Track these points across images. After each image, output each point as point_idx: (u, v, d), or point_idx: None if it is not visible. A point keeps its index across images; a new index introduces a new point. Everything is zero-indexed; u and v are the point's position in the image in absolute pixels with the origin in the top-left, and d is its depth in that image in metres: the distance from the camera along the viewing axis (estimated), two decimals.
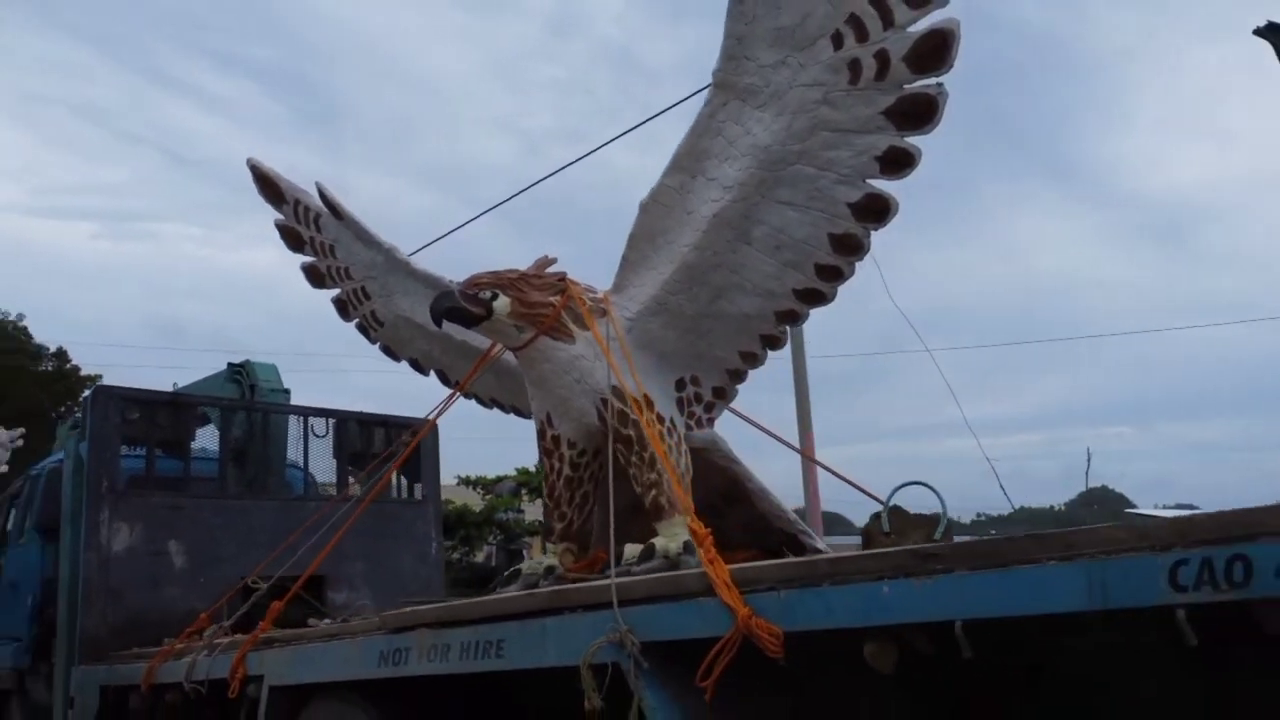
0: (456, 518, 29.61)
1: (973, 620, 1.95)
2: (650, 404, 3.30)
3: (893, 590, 2.08)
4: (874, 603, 2.11)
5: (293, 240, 4.64)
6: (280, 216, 4.62)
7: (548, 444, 3.52)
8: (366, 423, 6.43)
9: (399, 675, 3.19)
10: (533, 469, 31.21)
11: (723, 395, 3.62)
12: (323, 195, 4.31)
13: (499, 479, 32.13)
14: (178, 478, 6.02)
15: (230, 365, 6.94)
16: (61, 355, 35.82)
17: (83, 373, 35.67)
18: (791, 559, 2.78)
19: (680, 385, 3.55)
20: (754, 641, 2.25)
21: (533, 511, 31.30)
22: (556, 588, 3.07)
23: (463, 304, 3.42)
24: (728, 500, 3.66)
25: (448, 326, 3.63)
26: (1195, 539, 1.73)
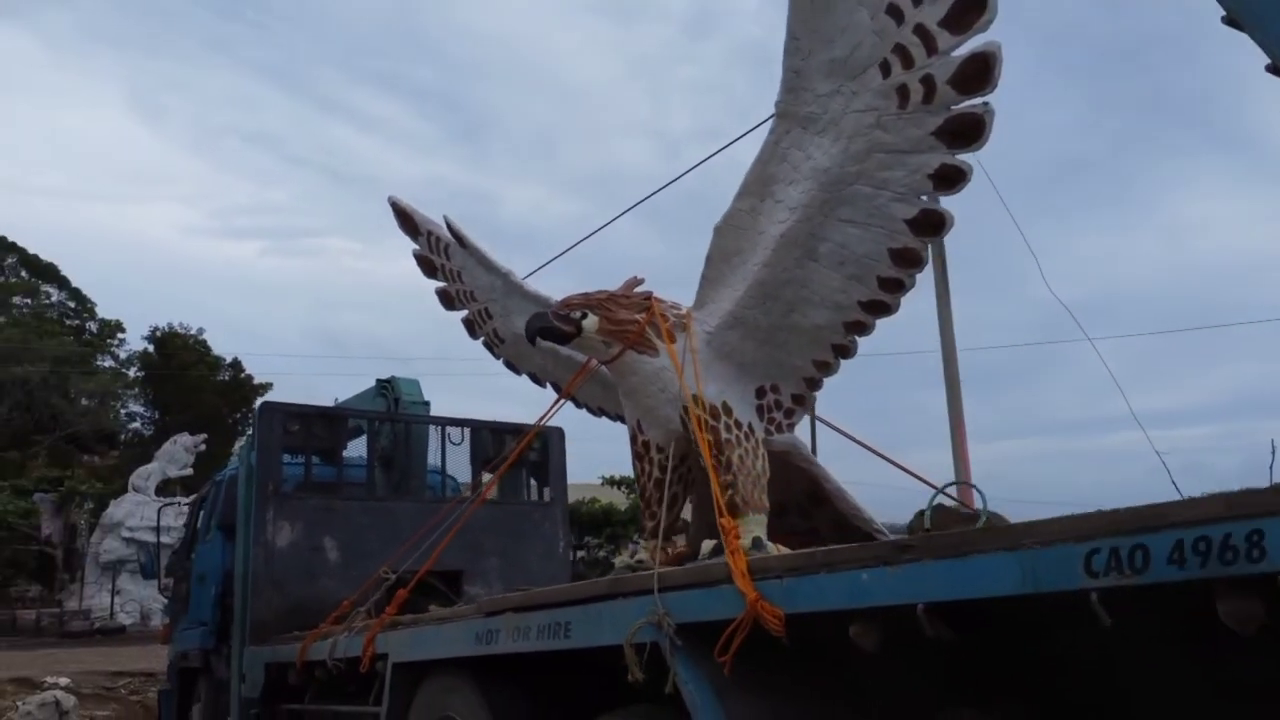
0: (602, 516, 30.44)
1: (932, 603, 2.21)
2: (729, 410, 3.55)
3: (870, 577, 2.39)
4: (856, 588, 2.41)
5: (427, 268, 5.18)
6: (416, 247, 5.16)
7: (639, 449, 3.81)
8: (498, 430, 6.99)
9: (491, 653, 3.64)
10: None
11: (801, 402, 3.83)
12: (450, 227, 4.81)
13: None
14: (332, 482, 6.73)
15: (379, 381, 7.63)
16: (237, 366, 38.72)
17: (256, 382, 38.49)
18: (801, 551, 3.00)
19: (760, 393, 3.76)
20: (760, 622, 2.55)
21: None
22: (614, 577, 3.43)
23: (554, 323, 3.77)
24: (813, 500, 3.90)
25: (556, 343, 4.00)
26: (1109, 531, 1.97)
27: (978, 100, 2.91)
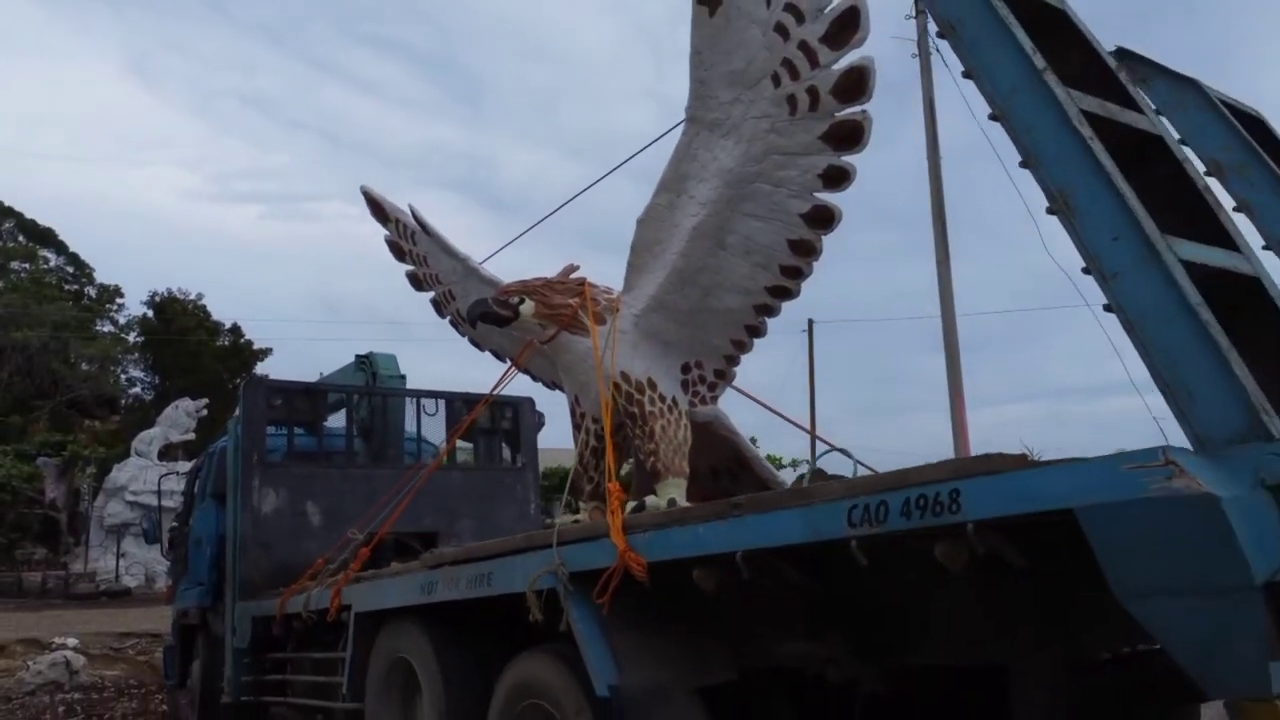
0: None
1: (753, 550, 2.70)
2: (654, 385, 3.98)
3: (705, 531, 2.90)
4: (695, 540, 2.93)
5: (397, 252, 5.62)
6: (387, 233, 5.60)
7: (577, 420, 4.20)
8: (470, 401, 7.21)
9: (432, 601, 4.16)
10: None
11: (723, 376, 4.25)
12: (414, 215, 5.25)
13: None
14: (313, 452, 7.21)
15: (357, 356, 8.12)
16: (236, 331, 38.73)
17: (256, 347, 38.57)
18: (666, 510, 3.45)
19: (686, 369, 4.19)
20: (629, 569, 3.04)
21: None
22: (525, 534, 3.97)
23: (493, 308, 4.19)
24: (740, 465, 4.31)
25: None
26: (867, 490, 2.48)
27: (856, 108, 3.32)
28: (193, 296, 40.39)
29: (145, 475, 21.13)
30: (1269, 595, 1.88)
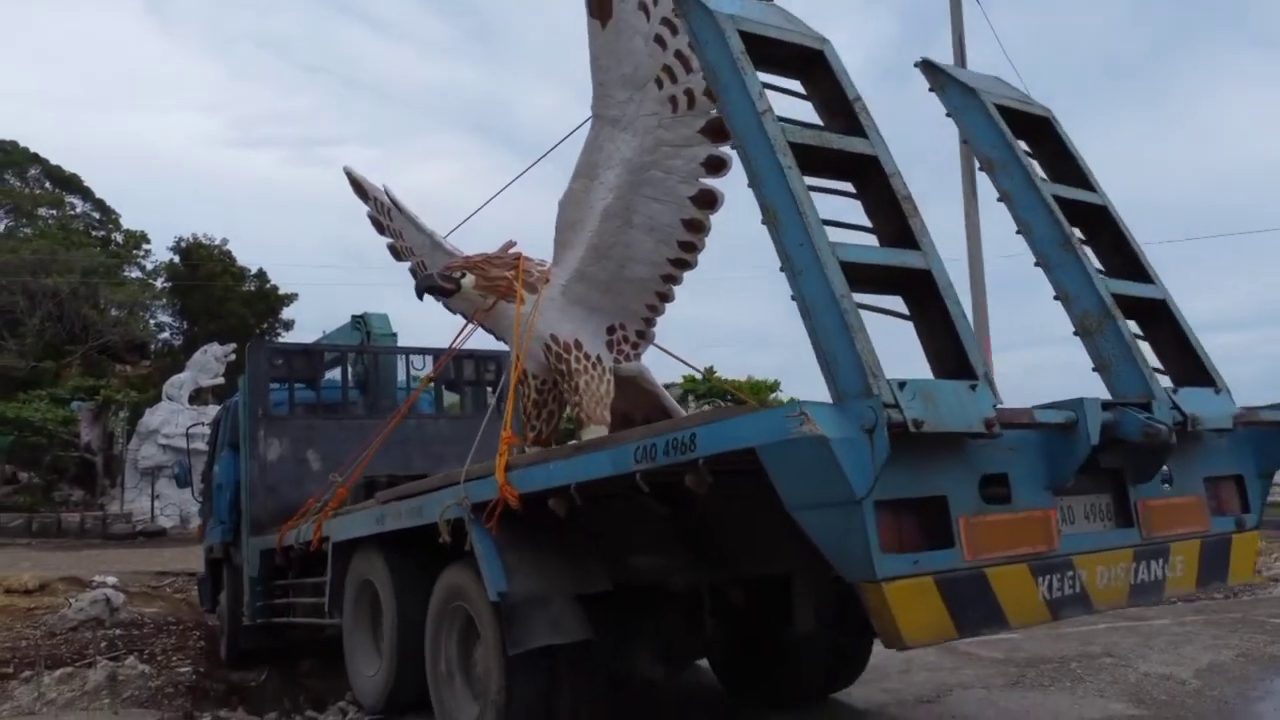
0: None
1: (582, 482, 3.55)
2: (580, 345, 4.65)
3: (554, 467, 3.74)
4: (546, 475, 3.76)
5: (378, 227, 6.36)
6: (369, 209, 6.37)
7: (519, 377, 4.85)
8: (458, 357, 7.75)
9: (382, 531, 5.08)
10: (699, 377, 32.00)
11: (644, 336, 4.96)
12: (389, 195, 6.02)
13: (666, 387, 33.12)
14: (312, 405, 8.09)
15: (354, 317, 9.01)
16: (262, 276, 39.01)
17: (281, 292, 38.81)
18: (540, 451, 4.33)
19: (610, 330, 4.84)
20: (506, 500, 3.87)
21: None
22: (445, 474, 4.78)
23: (438, 282, 4.87)
24: (660, 413, 4.95)
25: None
26: (649, 435, 3.27)
27: None
28: (217, 242, 40.65)
29: (177, 419, 21.53)
30: (877, 507, 2.64)
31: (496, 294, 4.82)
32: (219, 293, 37.58)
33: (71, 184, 46.33)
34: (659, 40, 4.06)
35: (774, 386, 31.83)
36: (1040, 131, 4.34)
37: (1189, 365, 3.87)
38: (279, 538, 6.68)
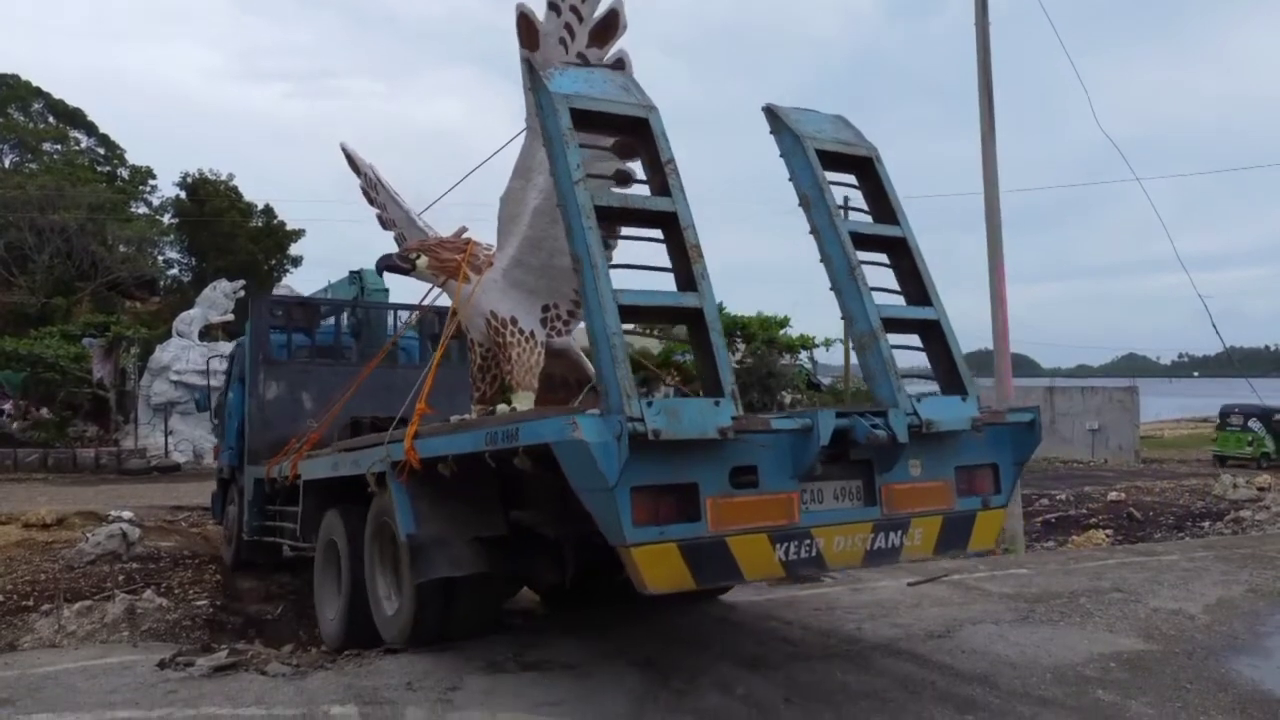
0: (634, 362, 30.83)
1: (456, 455, 4.61)
2: (516, 321, 5.56)
3: (441, 440, 4.75)
4: (437, 445, 4.75)
5: (368, 199, 7.23)
6: (360, 181, 7.21)
7: (469, 345, 5.85)
8: (440, 312, 8.38)
9: (335, 476, 6.06)
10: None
11: (574, 315, 5.79)
12: (374, 172, 7.05)
13: (675, 323, 32.94)
14: (309, 351, 9.16)
15: (351, 272, 10.52)
16: (269, 212, 38.71)
17: (289, 228, 38.55)
18: (443, 424, 5.14)
19: (545, 309, 5.74)
20: (410, 461, 4.84)
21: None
22: (377, 434, 5.70)
23: (396, 261, 5.83)
24: (587, 380, 5.78)
25: None
26: (499, 424, 4.25)
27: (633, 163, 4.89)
28: (223, 177, 40.27)
29: (187, 355, 21.59)
30: (633, 491, 3.59)
31: (446, 274, 5.70)
32: (226, 228, 37.37)
33: (76, 119, 45.86)
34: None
35: (784, 322, 31.69)
36: (864, 170, 4.99)
37: (952, 377, 4.62)
38: (267, 469, 7.68)
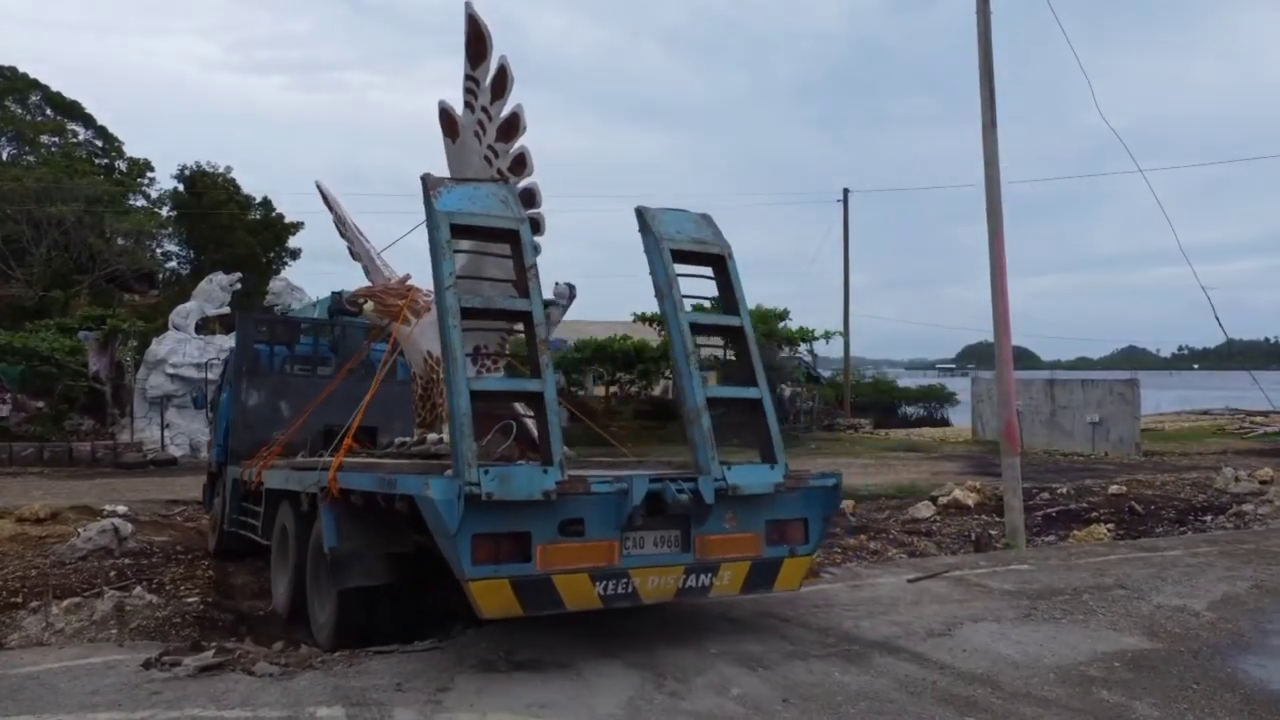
0: (635, 354, 30.67)
1: (361, 490, 5.47)
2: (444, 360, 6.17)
3: (350, 476, 5.65)
4: (352, 480, 5.58)
5: (339, 232, 8.61)
6: (333, 217, 8.64)
7: (411, 377, 6.93)
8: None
9: (286, 488, 6.96)
10: (708, 306, 31.71)
11: (502, 355, 6.79)
12: (342, 212, 8.57)
13: None
14: (285, 365, 9.97)
15: (333, 292, 10.69)
16: (267, 204, 38.51)
17: (287, 220, 38.32)
18: (364, 459, 6.49)
19: (476, 350, 6.55)
20: (328, 489, 5.71)
21: (708, 348, 31.93)
22: (315, 459, 6.91)
23: (344, 306, 7.27)
24: (514, 412, 6.31)
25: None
26: (395, 471, 5.44)
27: (536, 210, 6.35)
28: (221, 170, 40.05)
29: (183, 348, 21.46)
30: (474, 537, 4.49)
31: (390, 316, 6.76)
32: (225, 221, 37.19)
33: (73, 111, 45.66)
34: (488, 159, 6.14)
35: (783, 315, 31.54)
36: (717, 265, 5.81)
37: (767, 447, 5.48)
38: (241, 471, 8.58)
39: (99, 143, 45.78)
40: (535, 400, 4.91)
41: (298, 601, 6.64)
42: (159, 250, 40.39)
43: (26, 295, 32.18)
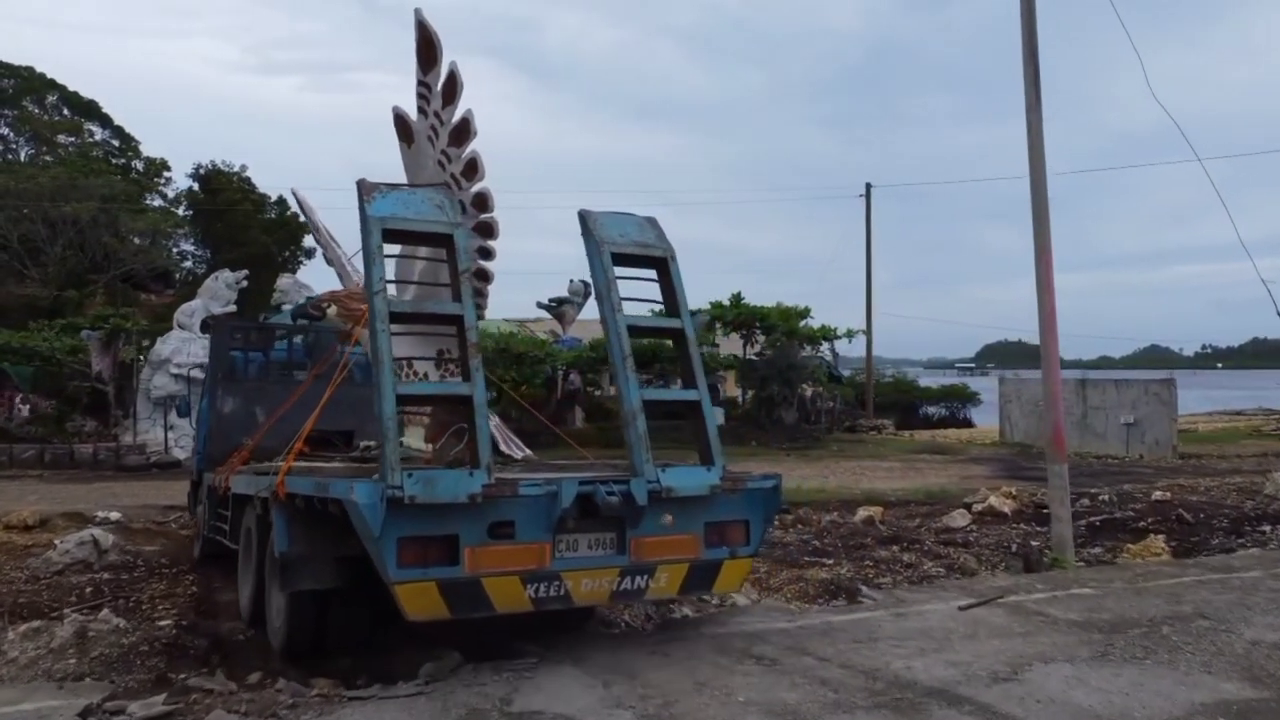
0: (651, 353, 29.92)
1: (303, 494, 5.41)
2: (411, 364, 6.30)
3: (294, 480, 5.57)
4: (296, 484, 5.51)
5: (316, 240, 8.73)
6: (310, 225, 8.95)
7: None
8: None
9: (248, 492, 6.78)
10: (726, 303, 30.88)
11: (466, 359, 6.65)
12: (317, 220, 8.84)
13: (693, 313, 31.89)
14: (262, 370, 10.03)
15: (308, 298, 11.46)
16: (282, 203, 38.12)
17: (301, 220, 37.87)
18: (314, 464, 6.57)
19: (439, 353, 6.42)
20: (278, 494, 5.55)
21: (727, 346, 31.10)
22: (270, 465, 6.64)
23: (309, 310, 7.85)
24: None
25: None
26: (330, 475, 5.76)
27: (489, 214, 6.17)
28: (236, 169, 39.79)
29: (188, 348, 20.92)
30: (399, 540, 4.55)
31: (352, 320, 6.89)
32: (240, 219, 36.88)
33: (90, 111, 45.61)
34: (441, 164, 6.10)
35: (805, 313, 30.70)
36: (661, 268, 5.75)
37: (705, 449, 5.42)
38: (214, 477, 8.54)
39: (116, 142, 45.67)
40: (464, 403, 4.88)
41: (260, 606, 6.51)
42: (175, 250, 40.16)
43: (41, 294, 31.93)
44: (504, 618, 5.05)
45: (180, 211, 40.50)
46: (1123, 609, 6.18)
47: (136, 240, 36.00)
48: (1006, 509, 13.19)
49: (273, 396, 9.04)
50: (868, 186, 37.04)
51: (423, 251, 5.75)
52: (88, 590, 7.97)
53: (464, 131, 6.08)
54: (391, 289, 6.73)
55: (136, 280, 35.76)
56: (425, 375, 6.26)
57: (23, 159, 42.14)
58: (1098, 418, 27.06)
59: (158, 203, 41.43)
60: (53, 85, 45.41)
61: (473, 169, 6.09)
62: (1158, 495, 15.67)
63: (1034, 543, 10.62)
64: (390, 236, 5.13)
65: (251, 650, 6.40)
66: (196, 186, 39.05)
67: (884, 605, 6.23)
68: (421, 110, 6.32)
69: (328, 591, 5.55)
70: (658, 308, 5.85)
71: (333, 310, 6.91)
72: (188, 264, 41.65)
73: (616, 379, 5.41)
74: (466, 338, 4.98)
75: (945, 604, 6.24)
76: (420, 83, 6.27)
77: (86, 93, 45.17)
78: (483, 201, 6.11)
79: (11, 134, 44.84)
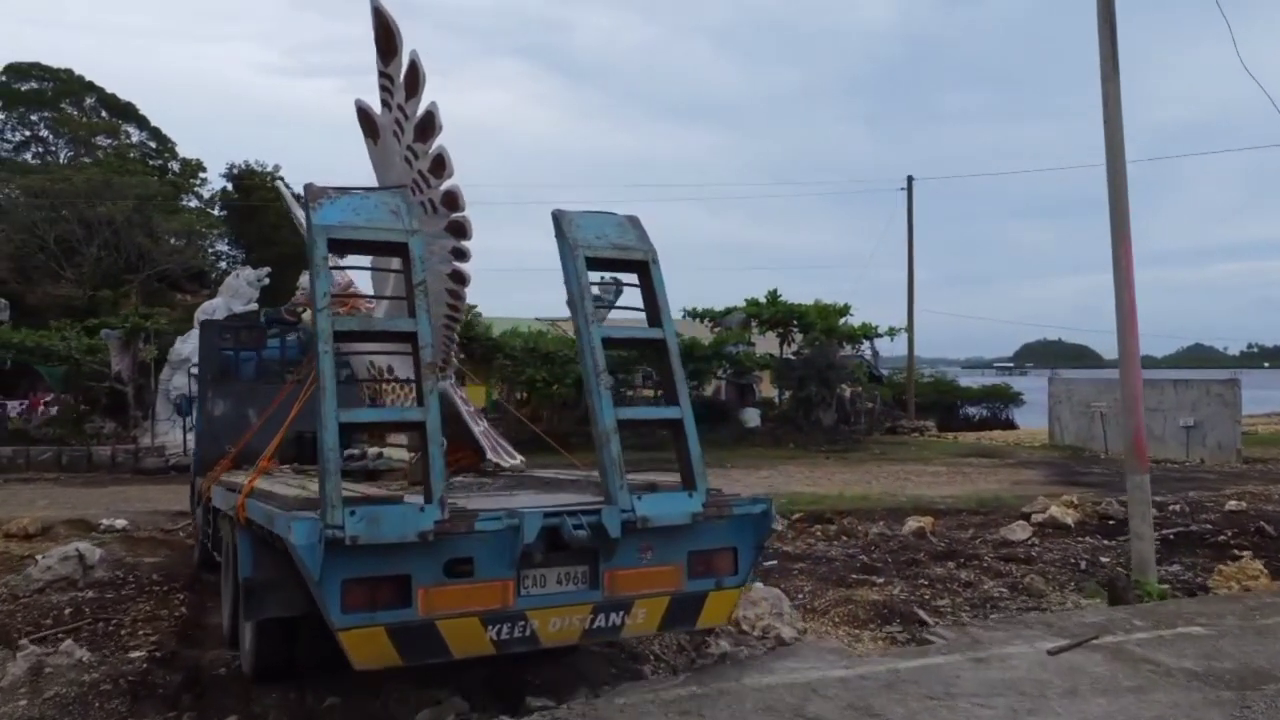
0: (685, 351, 29.06)
1: (257, 522, 5.10)
2: (392, 370, 6.42)
3: (253, 506, 5.25)
4: (252, 509, 5.25)
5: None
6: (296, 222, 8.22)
7: (358, 387, 6.74)
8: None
9: (220, 507, 6.59)
10: (762, 300, 29.92)
11: (447, 362, 6.39)
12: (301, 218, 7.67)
13: (728, 311, 31.03)
14: (253, 372, 9.75)
15: (285, 305, 10.75)
16: None
17: None
18: (290, 480, 6.16)
19: (380, 372, 6.56)
20: (236, 516, 5.46)
21: (763, 344, 30.13)
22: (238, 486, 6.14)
23: (282, 315, 8.40)
24: (458, 421, 6.19)
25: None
26: (280, 506, 4.92)
27: (461, 214, 5.92)
28: (269, 168, 39.75)
29: None
30: (343, 583, 4.14)
31: None
32: (272, 219, 36.74)
33: (127, 113, 45.90)
34: (408, 160, 5.75)
35: (844, 311, 29.69)
36: (641, 271, 5.29)
37: (686, 473, 4.90)
38: (200, 482, 8.35)
39: (152, 144, 45.93)
40: (419, 429, 4.46)
41: (236, 608, 6.18)
42: (210, 250, 40.18)
43: (76, 295, 31.90)
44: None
45: (215, 212, 40.54)
46: (1247, 655, 5.20)
47: (172, 240, 36.03)
48: (1069, 520, 12.24)
49: (265, 398, 8.69)
50: (909, 179, 35.93)
51: (395, 263, 5.34)
52: (67, 611, 7.30)
53: (429, 126, 5.70)
54: (375, 301, 6.80)
55: (171, 280, 35.77)
56: (407, 380, 6.09)
57: (62, 160, 42.41)
58: (1155, 420, 25.68)
59: (193, 203, 41.54)
60: (91, 88, 45.77)
61: (440, 165, 5.71)
62: (1231, 505, 14.54)
63: (1103, 559, 9.65)
64: (337, 247, 4.79)
65: (230, 686, 5.65)
66: (230, 186, 39.00)
67: (957, 647, 5.32)
68: (385, 104, 5.94)
69: (296, 618, 5.13)
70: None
71: (307, 315, 6.42)
72: (222, 264, 41.66)
73: (589, 397, 4.91)
74: (421, 356, 4.53)
75: (1030, 645, 5.32)
76: (382, 74, 5.87)
77: (125, 94, 45.43)
78: (453, 200, 5.78)
79: (51, 136, 45.20)
